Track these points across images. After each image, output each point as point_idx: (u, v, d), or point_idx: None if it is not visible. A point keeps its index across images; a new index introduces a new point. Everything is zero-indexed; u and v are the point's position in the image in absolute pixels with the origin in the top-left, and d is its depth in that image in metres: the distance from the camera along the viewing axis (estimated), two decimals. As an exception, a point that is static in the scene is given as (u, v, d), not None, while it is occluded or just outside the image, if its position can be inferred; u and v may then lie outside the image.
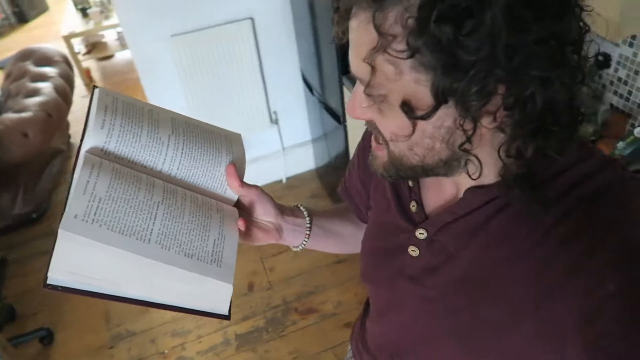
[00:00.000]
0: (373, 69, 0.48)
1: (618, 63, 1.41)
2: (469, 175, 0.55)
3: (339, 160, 2.38)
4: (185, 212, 0.64)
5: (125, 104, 0.66)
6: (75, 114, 3.84)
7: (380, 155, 0.58)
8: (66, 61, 3.61)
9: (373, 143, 0.59)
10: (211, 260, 0.63)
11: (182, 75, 2.34)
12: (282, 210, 0.77)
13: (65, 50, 4.00)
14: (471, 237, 0.58)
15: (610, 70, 1.44)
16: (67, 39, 4.15)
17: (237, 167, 0.71)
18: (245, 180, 0.73)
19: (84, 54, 4.52)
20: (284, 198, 2.77)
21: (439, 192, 0.64)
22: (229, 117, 2.52)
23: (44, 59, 3.39)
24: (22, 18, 5.92)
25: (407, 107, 0.49)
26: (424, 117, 0.48)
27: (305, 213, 0.81)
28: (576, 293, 0.49)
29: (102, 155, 0.63)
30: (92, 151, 0.63)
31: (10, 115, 2.72)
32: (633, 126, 1.42)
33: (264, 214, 0.75)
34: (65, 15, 4.67)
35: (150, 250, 0.58)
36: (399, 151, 0.55)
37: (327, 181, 2.76)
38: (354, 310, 2.18)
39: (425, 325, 0.68)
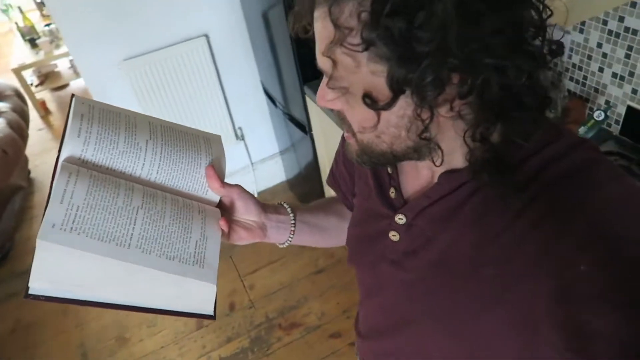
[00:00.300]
0: (333, 62, 0.50)
1: (571, 50, 1.44)
2: (433, 162, 0.57)
3: (308, 169, 2.36)
4: (166, 215, 0.64)
5: (101, 112, 0.67)
6: (33, 148, 3.73)
7: (352, 143, 0.60)
8: (18, 94, 3.50)
9: (345, 133, 0.60)
10: (193, 261, 0.63)
11: (140, 99, 2.29)
12: (265, 208, 0.78)
13: (16, 84, 3.88)
14: (447, 220, 0.59)
15: (564, 58, 1.47)
16: (18, 71, 4.02)
17: (217, 167, 0.71)
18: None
19: (37, 85, 4.38)
20: (257, 213, 2.73)
21: (416, 178, 0.64)
22: (192, 136, 2.47)
23: (-6, 94, 3.27)
24: (-32, 54, 5.72)
25: (369, 99, 0.50)
26: (385, 108, 0.49)
27: (288, 209, 0.82)
28: (547, 275, 0.49)
29: (79, 163, 0.63)
30: (69, 160, 0.63)
31: (-37, 156, 2.61)
32: (592, 110, 1.45)
33: (247, 212, 0.75)
34: (14, 47, 4.53)
35: (131, 254, 0.59)
36: (367, 139, 0.56)
37: (299, 191, 2.73)
38: (338, 319, 2.15)
39: (405, 307, 0.69)
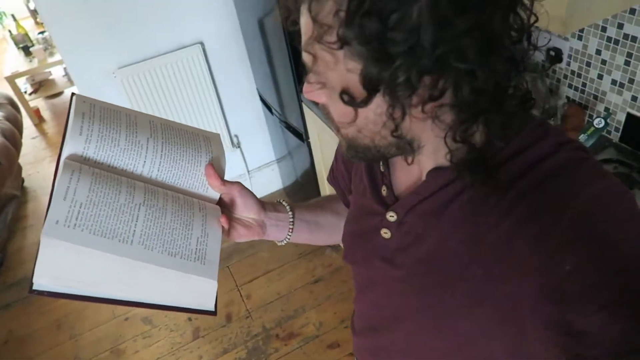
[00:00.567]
0: (314, 57, 0.51)
1: (569, 56, 1.43)
2: (405, 160, 0.58)
3: (305, 177, 2.34)
4: (167, 212, 0.65)
5: (102, 110, 0.67)
6: (27, 157, 3.69)
7: (340, 138, 0.61)
8: (11, 103, 3.47)
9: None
10: (195, 257, 0.64)
11: (134, 107, 2.27)
12: (265, 206, 0.78)
13: (10, 92, 3.85)
14: (436, 218, 0.59)
15: (563, 64, 1.46)
16: (11, 79, 3.99)
17: (217, 166, 0.72)
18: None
19: (31, 93, 4.35)
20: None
21: (407, 175, 0.65)
22: (188, 145, 2.45)
23: (-13, 103, 3.24)
24: (-39, 62, 5.68)
25: (346, 95, 0.51)
26: (361, 105, 0.50)
27: (287, 207, 0.82)
28: (533, 274, 0.50)
29: (81, 161, 0.64)
30: (71, 158, 0.63)
31: (-45, 166, 2.58)
32: (591, 117, 1.44)
33: (246, 210, 0.75)
34: (7, 55, 4.50)
35: (133, 251, 0.59)
36: (351, 134, 0.57)
37: (297, 199, 2.71)
38: (336, 330, 2.13)
39: (397, 304, 0.69)
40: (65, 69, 4.30)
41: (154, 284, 0.62)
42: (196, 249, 0.65)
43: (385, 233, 0.67)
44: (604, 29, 1.30)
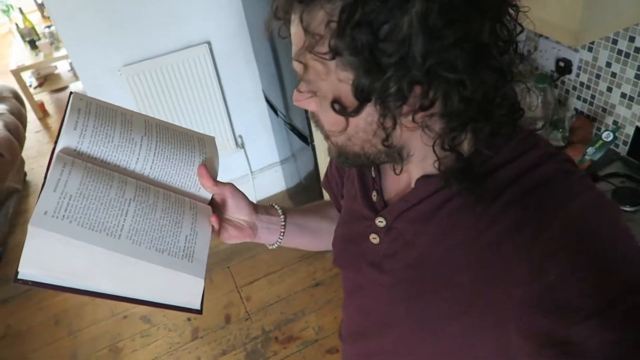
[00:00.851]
0: (304, 66, 0.52)
1: (579, 68, 1.42)
2: (393, 170, 0.59)
3: (309, 179, 2.33)
4: (158, 209, 0.65)
5: (98, 108, 0.68)
6: (30, 151, 3.69)
7: (329, 145, 0.61)
8: (16, 96, 3.47)
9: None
10: (182, 255, 0.64)
11: (139, 105, 2.26)
12: (256, 208, 0.79)
13: (15, 85, 3.84)
14: (425, 224, 0.60)
15: (572, 76, 1.45)
16: (17, 72, 3.98)
17: (210, 166, 0.72)
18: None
19: (36, 87, 4.34)
20: (255, 223, 2.69)
21: (397, 181, 0.65)
22: (192, 144, 2.44)
23: (-8, 96, 3.24)
24: (-33, 53, 5.68)
25: (337, 104, 0.51)
26: (352, 115, 0.51)
27: (279, 211, 0.83)
28: (518, 283, 0.50)
29: (75, 155, 0.64)
30: (65, 151, 0.64)
31: (-42, 158, 2.57)
32: (599, 130, 1.42)
33: (238, 211, 0.76)
34: (13, 48, 4.49)
35: (121, 245, 0.60)
36: (341, 142, 0.57)
37: (299, 201, 2.70)
38: (335, 334, 2.12)
39: (385, 310, 0.69)
40: (70, 63, 4.29)
41: (140, 279, 0.62)
42: (184, 246, 0.65)
43: (374, 238, 0.67)
44: (614, 42, 1.29)
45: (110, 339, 2.27)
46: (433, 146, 0.53)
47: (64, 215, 0.58)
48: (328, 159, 2.00)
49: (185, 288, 0.64)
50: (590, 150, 1.28)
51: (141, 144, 0.68)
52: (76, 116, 0.65)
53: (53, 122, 4.29)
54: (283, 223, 0.82)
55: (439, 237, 0.58)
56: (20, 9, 4.66)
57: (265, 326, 2.21)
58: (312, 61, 0.50)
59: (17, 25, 4.48)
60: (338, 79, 0.50)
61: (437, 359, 0.65)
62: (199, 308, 0.66)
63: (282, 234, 0.82)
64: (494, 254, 0.53)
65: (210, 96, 2.39)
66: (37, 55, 4.14)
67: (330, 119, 0.55)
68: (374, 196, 0.68)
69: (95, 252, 0.58)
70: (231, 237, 0.76)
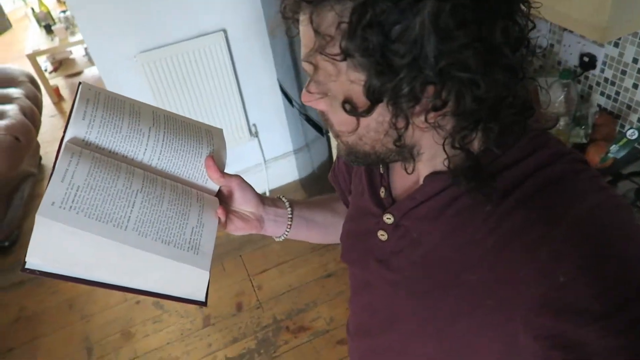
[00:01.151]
0: (315, 67, 0.51)
1: (604, 63, 1.39)
2: (405, 169, 0.59)
3: (322, 170, 2.32)
4: (164, 200, 0.65)
5: (107, 98, 0.68)
6: (45, 135, 3.72)
7: (339, 144, 0.61)
8: (32, 81, 3.48)
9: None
10: (188, 247, 0.64)
11: (154, 92, 2.26)
12: (264, 200, 0.79)
13: (30, 69, 3.86)
14: (432, 222, 0.60)
15: (596, 71, 1.42)
16: (32, 57, 4.00)
17: (217, 158, 0.72)
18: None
19: (51, 72, 4.36)
20: (267, 212, 2.70)
21: (405, 178, 0.65)
22: (206, 132, 2.44)
23: (8, 80, 3.26)
24: (-17, 37, 5.71)
25: (348, 105, 0.51)
26: (363, 115, 0.51)
27: (286, 204, 0.83)
28: (526, 284, 0.50)
29: (83, 145, 0.64)
30: (73, 141, 0.64)
31: (-25, 142, 2.59)
32: (622, 127, 1.40)
33: (245, 203, 0.76)
34: (29, 32, 4.51)
35: (127, 236, 0.60)
36: (351, 141, 0.57)
37: (312, 191, 2.70)
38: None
39: (390, 307, 0.70)
40: (86, 48, 4.30)
41: (146, 270, 0.63)
42: (190, 238, 0.65)
43: (382, 235, 0.67)
44: (643, 37, 1.25)
45: (123, 324, 2.29)
46: (443, 145, 0.53)
47: (71, 206, 0.58)
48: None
49: (190, 280, 0.64)
50: (613, 148, 1.25)
51: (149, 135, 0.68)
52: (85, 106, 0.65)
53: (67, 106, 4.31)
54: (290, 216, 0.82)
55: (445, 235, 0.58)
56: (36, -7, 4.66)
57: (277, 315, 2.22)
58: (323, 62, 0.50)
59: (32, 9, 4.49)
60: (349, 80, 0.50)
61: (442, 358, 0.65)
62: (203, 300, 0.67)
63: (289, 226, 0.82)
64: (502, 253, 0.52)
65: (225, 84, 2.38)
66: (52, 40, 4.15)
67: (341, 119, 0.54)
68: (382, 192, 0.68)
69: (102, 243, 0.59)
70: (237, 228, 0.76)
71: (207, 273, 0.64)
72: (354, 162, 0.60)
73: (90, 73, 4.58)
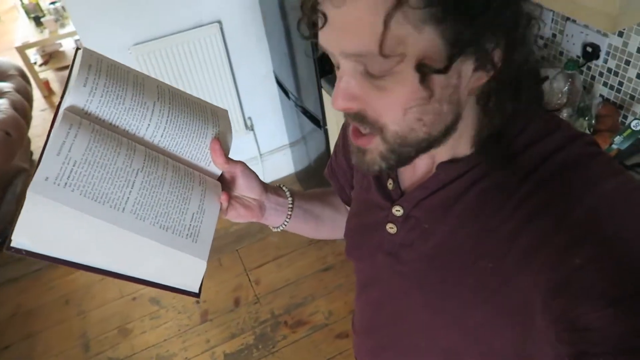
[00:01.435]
0: (383, 34, 0.45)
1: (607, 53, 1.37)
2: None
3: (319, 163, 2.30)
4: (166, 182, 0.62)
5: (110, 66, 0.63)
6: (36, 129, 3.66)
7: (372, 147, 0.54)
8: (22, 74, 3.42)
9: (358, 141, 0.54)
10: (187, 234, 0.61)
11: (149, 85, 2.22)
12: (266, 188, 0.77)
13: (20, 62, 3.79)
14: (445, 212, 0.58)
15: (599, 61, 1.40)
16: (22, 49, 3.93)
17: (223, 141, 0.69)
18: None
19: (41, 65, 4.30)
20: (264, 206, 2.68)
21: (414, 169, 0.64)
22: (201, 125, 2.41)
23: (-2, 73, 3.19)
24: (-29, 29, 5.61)
25: (424, 66, 0.47)
26: (442, 71, 0.46)
27: (287, 193, 0.81)
28: (543, 268, 0.49)
29: (82, 114, 0.59)
30: (72, 110, 0.59)
31: (-35, 137, 2.54)
32: (626, 118, 1.38)
33: (248, 190, 0.74)
34: (18, 24, 4.43)
35: (124, 219, 0.56)
36: (404, 127, 0.51)
37: (308, 185, 2.68)
38: (345, 319, 2.11)
39: (400, 300, 0.68)
40: (76, 41, 4.23)
41: (140, 256, 0.59)
42: (190, 225, 0.61)
43: (391, 228, 0.65)
44: (648, 27, 1.24)
45: (120, 320, 2.27)
46: (482, 108, 0.53)
47: (66, 183, 0.53)
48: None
49: (186, 269, 0.61)
50: (617, 139, 1.24)
51: (153, 109, 0.63)
52: (86, 72, 0.59)
53: (58, 100, 4.24)
54: (291, 205, 0.81)
55: (459, 225, 0.57)
56: (24, -16, 4.58)
57: (275, 310, 2.20)
58: (396, 25, 0.44)
59: (21, 1, 4.41)
60: (425, 37, 0.45)
61: (450, 353, 0.64)
62: (197, 291, 0.63)
63: (289, 216, 0.80)
64: (517, 240, 0.52)
65: (220, 77, 2.34)
66: (42, 32, 4.09)
67: (406, 93, 0.48)
68: (390, 184, 0.66)
69: (96, 225, 0.54)
70: (239, 215, 0.74)
71: (205, 263, 0.61)
72: (392, 166, 0.55)
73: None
